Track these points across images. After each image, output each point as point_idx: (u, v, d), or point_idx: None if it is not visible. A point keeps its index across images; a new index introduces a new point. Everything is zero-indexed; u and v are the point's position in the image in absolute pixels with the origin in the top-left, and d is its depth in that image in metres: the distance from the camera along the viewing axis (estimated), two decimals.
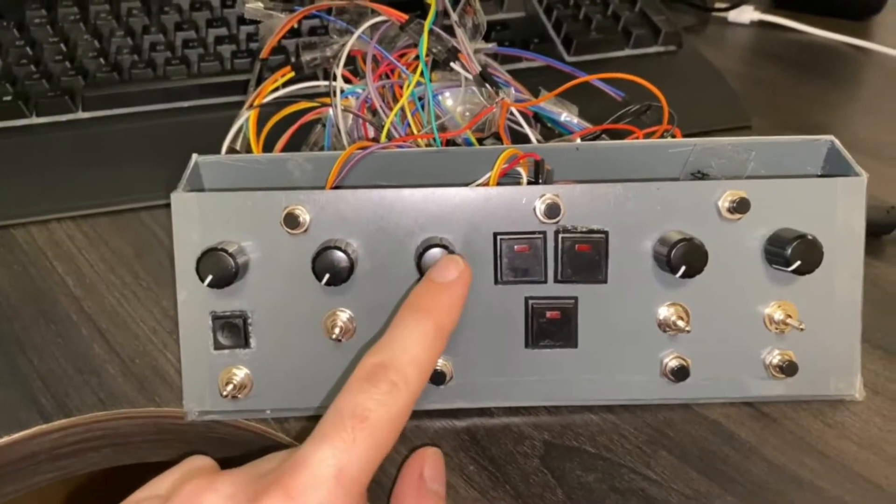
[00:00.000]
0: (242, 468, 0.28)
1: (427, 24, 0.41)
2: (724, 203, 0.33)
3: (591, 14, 0.62)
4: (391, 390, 0.26)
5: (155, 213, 0.48)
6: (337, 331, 0.33)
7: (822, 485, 0.31)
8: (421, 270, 0.33)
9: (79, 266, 0.45)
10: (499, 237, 0.34)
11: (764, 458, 0.33)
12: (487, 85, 0.40)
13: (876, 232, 0.44)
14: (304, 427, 0.35)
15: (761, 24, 0.71)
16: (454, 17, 0.42)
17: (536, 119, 0.45)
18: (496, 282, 0.34)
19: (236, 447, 0.36)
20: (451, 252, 0.33)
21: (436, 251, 0.33)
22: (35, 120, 0.53)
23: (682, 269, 0.32)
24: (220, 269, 0.32)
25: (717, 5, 0.73)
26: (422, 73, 0.40)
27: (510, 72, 0.46)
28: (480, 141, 0.42)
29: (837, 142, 0.36)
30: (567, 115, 0.43)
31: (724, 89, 0.58)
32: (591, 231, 0.34)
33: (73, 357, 0.39)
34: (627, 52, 0.61)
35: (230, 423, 0.35)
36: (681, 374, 0.34)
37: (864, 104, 0.61)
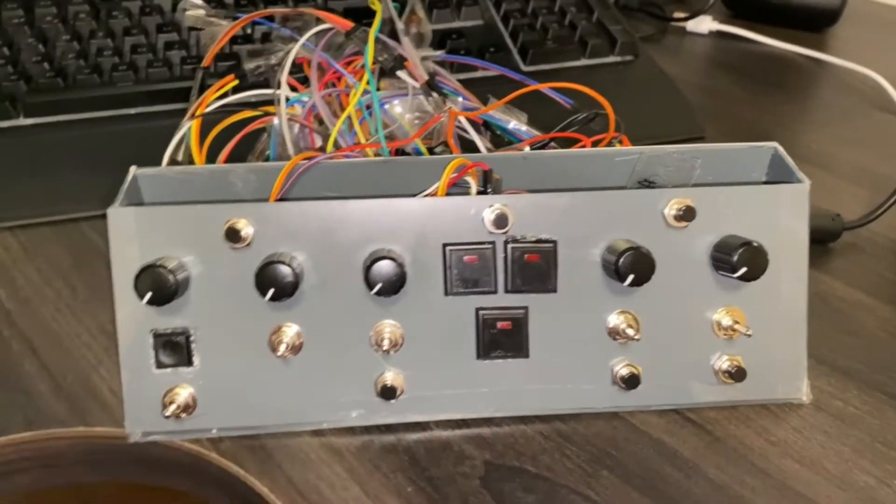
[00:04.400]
0: None
1: (372, 31, 0.40)
2: (670, 211, 0.33)
3: (547, 24, 0.62)
4: None
5: (96, 223, 0.47)
6: (283, 347, 0.33)
7: None
8: (369, 283, 0.32)
9: (13, 278, 0.43)
10: (448, 248, 0.33)
11: (706, 477, 0.32)
12: (434, 93, 0.40)
13: (822, 239, 0.45)
14: (238, 447, 0.34)
15: (719, 34, 0.72)
16: (400, 24, 0.41)
17: (486, 127, 0.45)
18: (446, 293, 0.34)
19: (169, 468, 0.35)
20: (400, 265, 0.32)
21: (384, 263, 0.32)
22: None
23: (631, 277, 0.32)
24: (159, 285, 0.31)
25: (676, 15, 0.74)
26: (368, 82, 0.39)
27: (464, 81, 0.46)
28: (430, 149, 0.42)
29: (781, 148, 0.36)
30: (515, 124, 0.43)
31: (678, 100, 0.59)
32: (540, 241, 0.33)
33: (0, 374, 0.37)
34: (584, 61, 0.61)
35: (165, 443, 0.34)
36: (631, 381, 0.34)
37: (817, 116, 0.62)
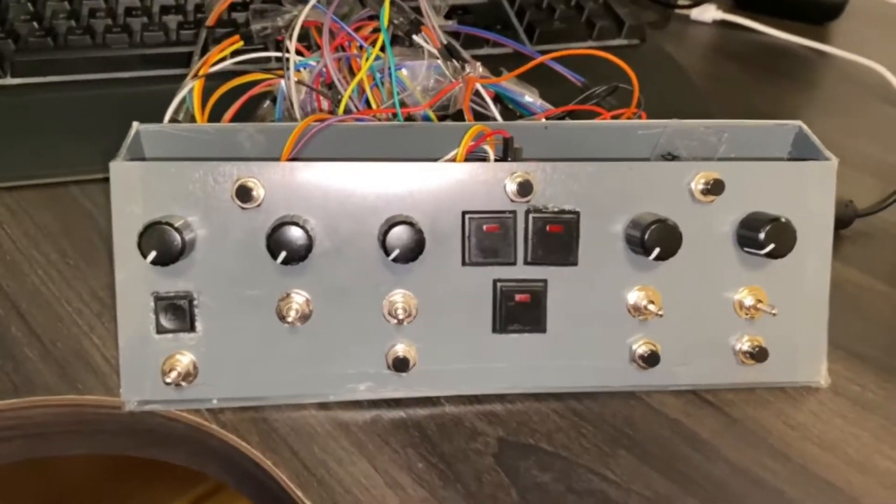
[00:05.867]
0: None
1: None
2: (697, 185, 0.32)
3: (554, 3, 0.61)
4: None
5: (87, 187, 0.45)
6: (292, 314, 0.31)
7: (784, 488, 0.31)
8: (386, 250, 0.31)
9: None
10: (467, 216, 0.32)
11: (725, 459, 0.32)
12: (453, 59, 0.39)
13: (835, 225, 0.44)
14: (240, 419, 0.32)
15: (723, 23, 0.72)
16: None
17: (497, 101, 0.43)
18: (463, 263, 0.32)
19: (165, 439, 0.33)
20: (419, 231, 0.31)
21: (402, 229, 0.31)
22: None
23: (657, 251, 0.31)
24: (164, 244, 0.30)
25: (680, 2, 0.73)
26: (383, 46, 0.38)
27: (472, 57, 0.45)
28: (442, 119, 0.41)
29: (805, 127, 0.36)
30: (530, 97, 0.42)
31: (686, 85, 0.58)
32: (563, 211, 0.32)
33: None
34: (591, 43, 0.60)
35: (162, 413, 0.32)
36: (651, 360, 0.33)
37: (820, 106, 0.62)
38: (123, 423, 0.33)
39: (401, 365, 0.32)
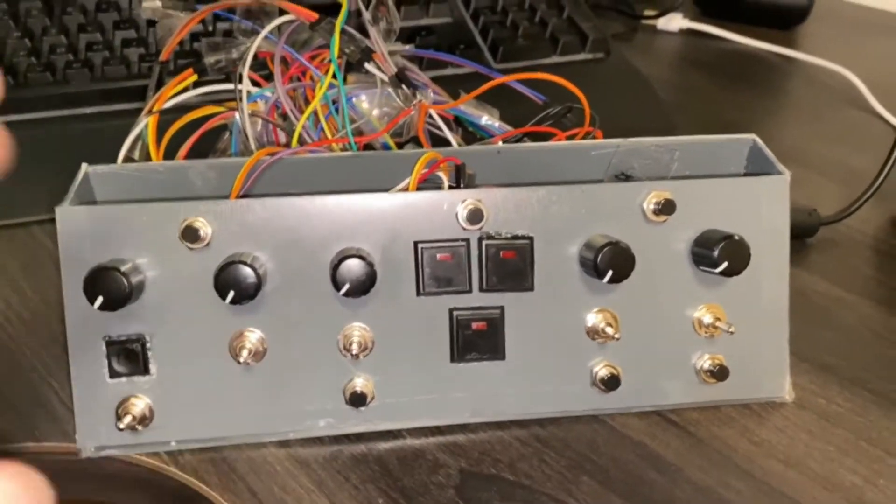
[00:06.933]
0: None
1: (339, 22, 0.39)
2: (649, 205, 0.32)
3: (518, 20, 0.61)
4: None
5: (48, 227, 0.44)
6: (245, 353, 0.31)
7: None
8: (336, 284, 0.30)
9: None
10: (420, 245, 0.32)
11: (689, 480, 0.31)
12: (404, 86, 0.38)
13: (800, 234, 0.44)
14: (199, 460, 0.32)
15: (689, 32, 0.72)
16: (367, 15, 0.40)
17: (457, 123, 0.43)
18: (418, 293, 0.32)
19: (125, 484, 0.33)
20: (370, 263, 0.30)
21: (352, 262, 0.30)
22: None
23: (610, 273, 0.31)
24: (111, 289, 0.29)
25: (646, 13, 0.73)
26: (334, 75, 0.38)
27: (434, 79, 0.45)
28: (399, 146, 0.40)
29: (759, 140, 0.36)
30: (488, 119, 0.42)
31: (650, 97, 0.58)
32: (516, 237, 0.32)
33: None
34: (555, 59, 0.60)
35: (122, 458, 0.32)
36: (612, 382, 0.33)
37: (789, 112, 0.62)
38: (84, 470, 0.33)
39: (358, 400, 0.32)
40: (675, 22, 0.72)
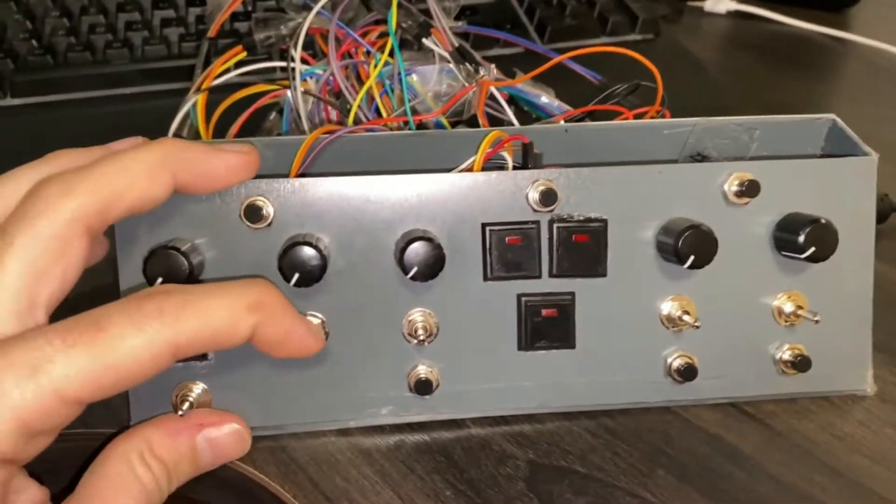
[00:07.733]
0: None
1: None
2: (730, 186, 0.31)
3: (565, 0, 0.59)
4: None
5: None
6: None
7: None
8: (404, 267, 0.29)
9: None
10: (488, 228, 0.30)
11: (770, 475, 0.30)
12: (466, 62, 0.37)
13: None
14: (257, 448, 0.30)
15: (737, 14, 0.70)
16: None
17: (511, 103, 0.42)
18: (486, 278, 0.31)
19: None
20: (437, 246, 0.29)
21: (420, 245, 0.29)
22: None
23: (691, 259, 0.29)
24: (171, 270, 0.28)
25: None
26: (391, 52, 0.36)
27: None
28: (454, 125, 0.39)
29: (840, 121, 0.34)
30: (547, 98, 0.40)
31: (704, 79, 0.56)
32: (589, 220, 0.30)
33: None
34: (604, 39, 0.58)
35: None
36: (688, 373, 0.31)
37: (843, 95, 0.60)
38: None
39: (423, 387, 0.30)
40: (722, 3, 0.70)
